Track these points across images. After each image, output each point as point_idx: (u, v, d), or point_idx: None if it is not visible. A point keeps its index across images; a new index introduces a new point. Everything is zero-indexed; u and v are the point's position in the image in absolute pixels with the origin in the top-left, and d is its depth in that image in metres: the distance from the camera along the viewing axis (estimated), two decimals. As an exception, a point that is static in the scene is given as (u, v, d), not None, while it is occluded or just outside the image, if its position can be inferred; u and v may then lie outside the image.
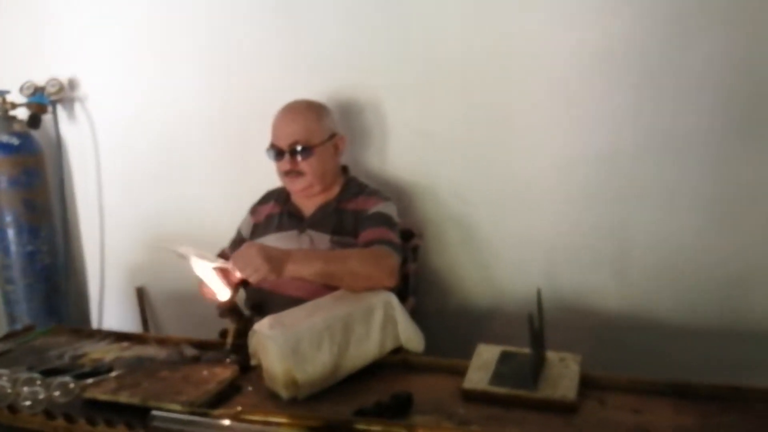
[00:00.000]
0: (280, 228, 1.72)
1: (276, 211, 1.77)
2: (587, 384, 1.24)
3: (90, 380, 1.35)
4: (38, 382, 1.28)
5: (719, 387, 1.19)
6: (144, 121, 2.25)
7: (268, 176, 1.77)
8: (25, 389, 1.26)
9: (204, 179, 2.20)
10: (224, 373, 1.35)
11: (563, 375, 1.25)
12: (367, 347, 1.38)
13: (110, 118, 2.32)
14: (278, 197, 1.80)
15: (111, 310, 2.49)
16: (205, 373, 1.37)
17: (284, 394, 1.26)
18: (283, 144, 1.67)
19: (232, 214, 1.88)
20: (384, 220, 1.63)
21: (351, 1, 1.91)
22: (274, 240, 1.66)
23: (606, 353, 1.76)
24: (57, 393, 1.28)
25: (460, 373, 1.30)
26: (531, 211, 1.85)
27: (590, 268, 1.80)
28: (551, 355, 1.32)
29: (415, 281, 1.88)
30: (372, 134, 1.96)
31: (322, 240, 1.65)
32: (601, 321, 1.79)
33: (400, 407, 1.20)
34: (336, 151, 1.75)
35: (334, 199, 1.72)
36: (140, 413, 1.15)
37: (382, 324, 1.41)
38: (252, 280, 1.39)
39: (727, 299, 1.67)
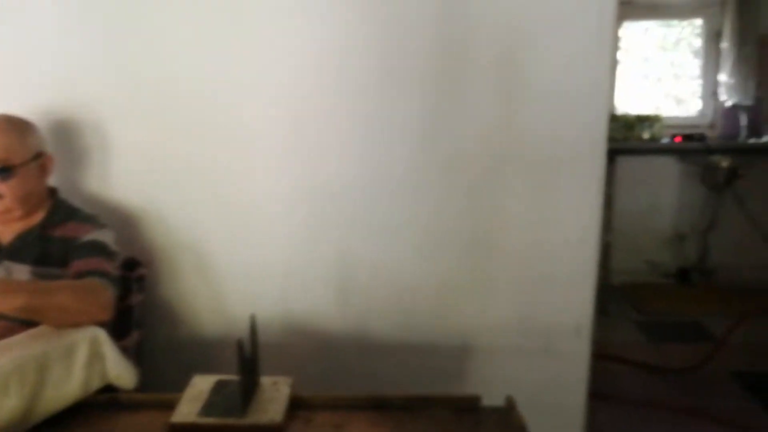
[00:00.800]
0: (-32, 259, 1.51)
1: (-36, 239, 1.55)
2: (297, 405, 1.29)
3: None
4: None
5: (410, 398, 1.32)
6: None
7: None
8: None
9: None
10: None
11: (274, 399, 1.28)
12: (67, 388, 1.27)
13: None
14: (-33, 223, 1.58)
15: None
16: None
17: (-44, 448, 1.10)
18: (-22, 164, 1.47)
19: None
20: (99, 249, 1.52)
21: (75, 13, 1.77)
22: (-40, 273, 1.45)
23: (331, 373, 1.86)
24: None
25: (173, 407, 1.26)
26: (266, 238, 1.88)
27: (319, 293, 1.88)
28: (265, 380, 1.35)
29: (141, 313, 1.78)
30: (93, 155, 1.83)
31: (22, 271, 1.48)
32: (327, 342, 1.88)
33: (96, 450, 1.12)
34: (42, 172, 1.59)
35: (38, 225, 1.56)
36: None
37: (86, 362, 1.30)
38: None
39: (431, 318, 1.87)
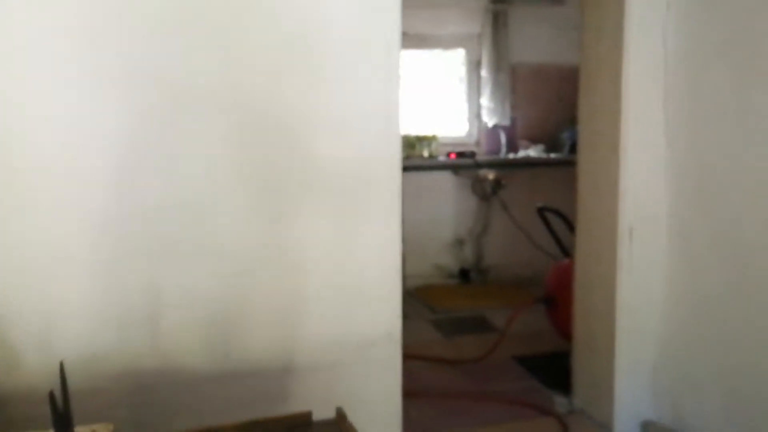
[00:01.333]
0: None
1: None
2: (120, 452, 1.22)
3: None
4: None
5: (241, 425, 1.32)
6: None
7: None
8: None
9: None
10: None
11: (95, 449, 1.19)
12: None
13: None
14: None
15: None
16: None
17: None
18: None
19: None
20: None
21: None
22: None
23: (148, 413, 1.76)
24: None
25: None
26: (60, 275, 1.72)
27: (126, 329, 1.76)
28: (81, 429, 1.25)
29: None
30: None
31: None
32: (140, 382, 1.76)
33: None
34: None
35: None
36: None
37: None
38: None
39: (250, 342, 1.86)
